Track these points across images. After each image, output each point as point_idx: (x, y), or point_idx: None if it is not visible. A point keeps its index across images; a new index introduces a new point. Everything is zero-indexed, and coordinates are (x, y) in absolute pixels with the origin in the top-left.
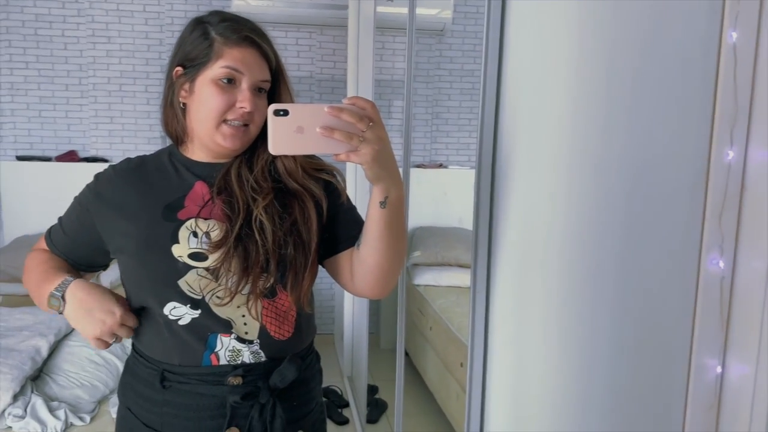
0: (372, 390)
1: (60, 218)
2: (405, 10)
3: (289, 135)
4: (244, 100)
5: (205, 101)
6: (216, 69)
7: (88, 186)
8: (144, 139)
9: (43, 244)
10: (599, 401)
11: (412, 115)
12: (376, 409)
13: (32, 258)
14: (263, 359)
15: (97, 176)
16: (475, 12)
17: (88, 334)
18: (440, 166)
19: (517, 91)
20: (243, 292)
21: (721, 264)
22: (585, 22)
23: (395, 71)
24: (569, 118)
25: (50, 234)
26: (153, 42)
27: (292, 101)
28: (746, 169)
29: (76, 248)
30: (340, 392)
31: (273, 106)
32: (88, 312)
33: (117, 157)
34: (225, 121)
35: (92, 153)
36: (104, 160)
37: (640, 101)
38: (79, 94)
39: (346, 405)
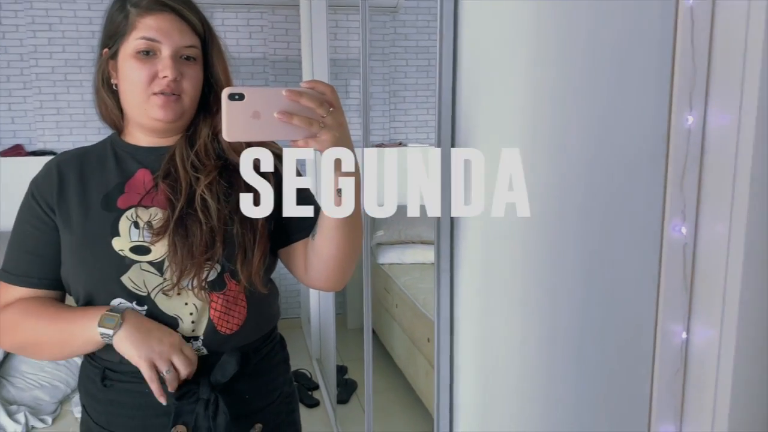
0: (341, 370)
1: (6, 254)
2: None
3: (245, 120)
4: (165, 69)
5: (127, 77)
6: (133, 41)
7: (26, 196)
8: (94, 129)
9: (6, 293)
10: (566, 370)
11: (369, 94)
12: (346, 389)
13: (13, 316)
14: (204, 353)
15: (33, 181)
16: None
17: (143, 354)
18: (400, 144)
19: (474, 64)
20: (190, 285)
21: (684, 230)
22: None
23: (350, 50)
24: (526, 88)
25: (6, 271)
26: (97, 28)
27: (227, 69)
28: (706, 133)
29: (48, 263)
30: (309, 375)
31: (227, 90)
32: (147, 332)
33: (66, 149)
34: (153, 93)
35: (39, 146)
36: (52, 153)
37: (598, 68)
38: (22, 85)
39: (316, 387)
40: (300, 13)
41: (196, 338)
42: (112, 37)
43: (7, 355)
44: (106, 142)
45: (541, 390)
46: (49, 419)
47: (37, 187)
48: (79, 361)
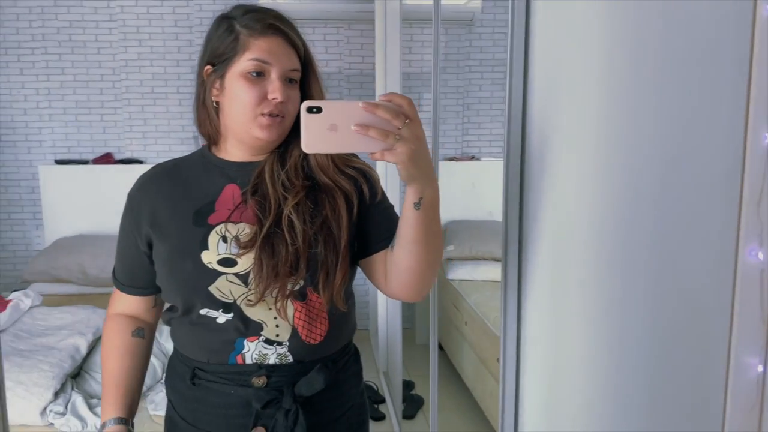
0: (408, 385)
1: (116, 260)
2: (431, 1)
3: (323, 133)
4: (275, 91)
5: (236, 96)
6: (243, 62)
7: (125, 207)
8: (177, 139)
9: (115, 296)
10: (635, 399)
11: (440, 107)
12: (412, 404)
13: (107, 334)
14: (290, 361)
15: (129, 194)
16: (504, 0)
17: None
18: (472, 158)
19: (545, 78)
20: (273, 294)
21: (761, 255)
22: (612, 3)
23: (424, 63)
24: (598, 105)
25: (114, 274)
26: (183, 43)
27: (322, 92)
28: None
29: (137, 272)
30: (375, 388)
31: (306, 104)
32: None
33: (151, 158)
34: (260, 114)
35: (127, 155)
36: (139, 162)
37: (671, 82)
38: (113, 98)
39: (383, 401)
40: (375, 28)
41: (280, 343)
42: (220, 56)
43: (91, 351)
44: (196, 155)
45: (607, 417)
46: None
47: (131, 201)
48: (155, 361)
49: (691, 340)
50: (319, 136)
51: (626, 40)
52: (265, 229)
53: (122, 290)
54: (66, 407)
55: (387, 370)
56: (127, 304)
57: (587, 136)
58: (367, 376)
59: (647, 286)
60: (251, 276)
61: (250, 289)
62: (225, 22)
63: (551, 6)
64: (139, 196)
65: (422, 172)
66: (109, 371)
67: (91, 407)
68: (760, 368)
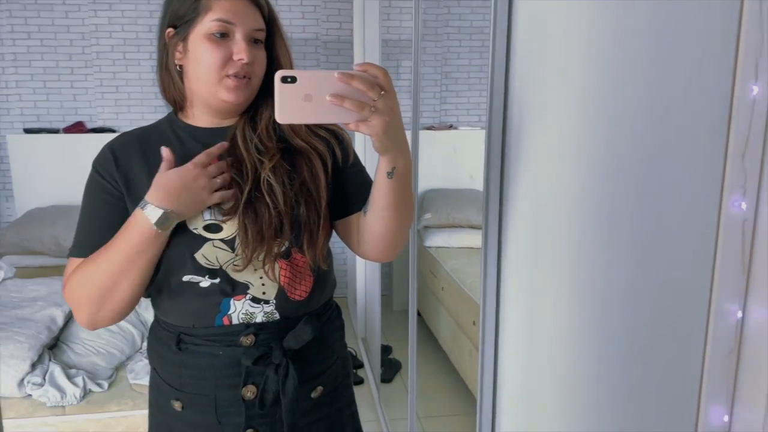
0: (386, 350)
1: (76, 232)
2: None
3: (297, 103)
4: (240, 52)
5: (200, 58)
6: (207, 23)
7: (91, 177)
8: (150, 107)
9: (73, 265)
10: (615, 349)
11: (420, 76)
12: (390, 368)
13: (75, 275)
14: (277, 318)
15: (95, 163)
16: None
17: (205, 200)
18: (450, 127)
19: (528, 45)
20: (259, 258)
21: (744, 206)
22: None
23: (402, 30)
24: (581, 68)
25: (75, 246)
26: (155, 7)
27: (288, 52)
28: None
29: (107, 237)
30: (354, 353)
31: (280, 73)
32: (185, 190)
33: (124, 127)
34: (226, 75)
35: (99, 123)
36: (112, 130)
37: (658, 36)
38: (83, 64)
39: (361, 366)
40: None
41: (266, 301)
42: (181, 18)
43: (68, 322)
44: (163, 122)
45: (588, 370)
46: (105, 384)
47: (100, 166)
48: (134, 330)
49: (674, 289)
50: (293, 106)
51: (611, 5)
52: (245, 194)
53: (86, 254)
54: (44, 378)
55: (365, 335)
56: None
57: (570, 101)
58: (347, 341)
59: (630, 239)
60: (237, 241)
61: (236, 255)
62: None
63: None
64: (108, 165)
65: (396, 143)
66: (102, 250)
67: (69, 377)
68: (740, 314)
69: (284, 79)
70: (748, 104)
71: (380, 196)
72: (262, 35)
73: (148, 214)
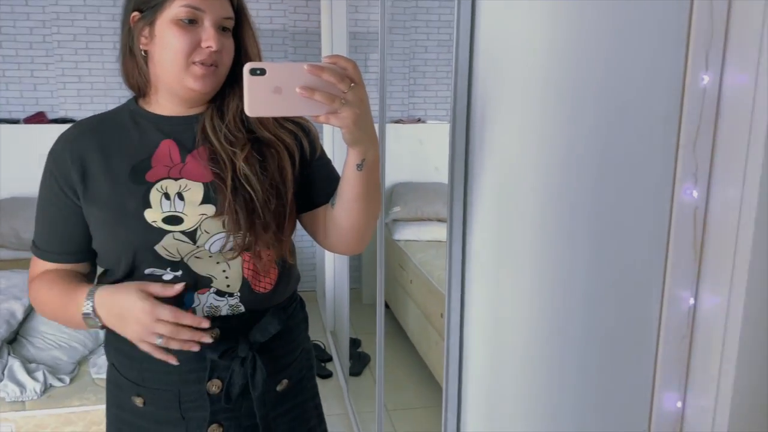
0: (354, 343)
1: (35, 226)
2: None
3: (267, 95)
4: (209, 39)
5: (168, 44)
6: (175, 8)
7: (46, 168)
8: (114, 98)
9: (37, 266)
10: (573, 337)
11: (387, 69)
12: (358, 362)
13: (38, 289)
14: (242, 311)
15: (51, 152)
16: None
17: (132, 339)
18: (418, 121)
19: (491, 39)
20: (227, 249)
21: (695, 193)
22: None
23: (370, 23)
24: (541, 63)
25: (35, 246)
26: None
27: (256, 42)
28: (722, 93)
29: (70, 239)
30: (323, 347)
31: (249, 65)
32: (120, 319)
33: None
34: (193, 62)
35: (61, 114)
36: (74, 121)
37: (613, 30)
38: (44, 53)
39: (330, 359)
40: None
41: (231, 294)
42: (148, 2)
43: (28, 316)
44: (123, 109)
45: (547, 358)
46: (67, 378)
47: (55, 163)
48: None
49: (629, 276)
50: (262, 99)
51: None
52: (229, 182)
53: (50, 260)
54: (3, 372)
55: (334, 329)
56: (46, 269)
57: (531, 94)
58: (315, 335)
59: (587, 228)
60: (199, 233)
61: (198, 246)
62: None
63: None
64: (64, 155)
65: (366, 135)
66: (55, 294)
67: (29, 372)
68: (692, 301)
69: (253, 72)
70: (698, 93)
71: (349, 188)
72: (230, 23)
73: (85, 306)
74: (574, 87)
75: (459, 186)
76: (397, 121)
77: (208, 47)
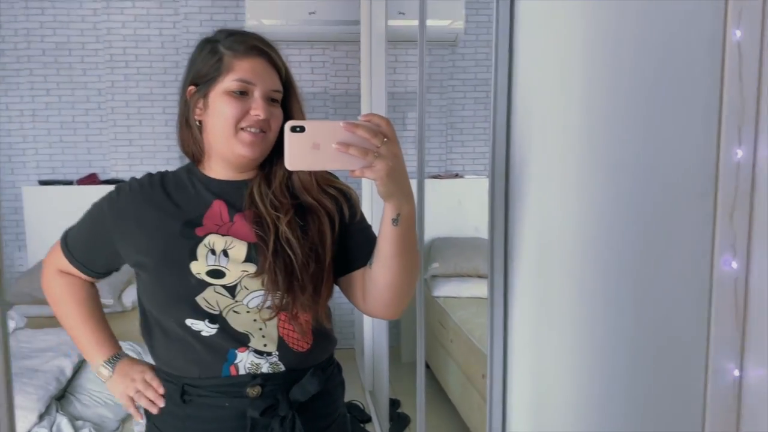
0: (394, 404)
1: (73, 227)
2: (416, 23)
3: (306, 151)
4: (257, 108)
5: (220, 113)
6: (227, 82)
7: (109, 198)
8: (163, 159)
9: (58, 259)
10: (619, 406)
11: (425, 126)
12: (398, 423)
13: (55, 285)
14: (282, 370)
15: (118, 189)
16: (487, 21)
17: (119, 393)
18: (456, 176)
19: (528, 97)
20: (265, 307)
21: (735, 264)
22: (591, 25)
23: (408, 83)
24: (579, 122)
25: (66, 244)
26: (169, 65)
27: (302, 112)
28: (756, 167)
29: (94, 257)
30: (362, 407)
31: (289, 123)
32: (124, 375)
33: None
34: (242, 129)
35: (112, 175)
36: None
37: (648, 102)
38: (99, 118)
39: (369, 420)
40: (360, 48)
41: (269, 354)
42: (203, 77)
43: (76, 373)
44: (183, 170)
45: (593, 425)
46: None
47: (117, 200)
48: None
49: (672, 348)
50: (302, 154)
51: (604, 62)
52: (271, 245)
53: (71, 262)
54: (51, 430)
55: (373, 388)
56: (71, 270)
57: (569, 153)
58: (353, 395)
59: (629, 299)
60: (239, 288)
61: (236, 301)
62: (209, 45)
63: (534, 27)
64: (128, 199)
65: (400, 188)
66: (75, 315)
67: (76, 429)
68: (737, 372)
69: (294, 129)
70: (733, 167)
71: (386, 244)
72: (278, 96)
73: (106, 369)
74: (611, 153)
75: (499, 244)
76: (435, 177)
77: (256, 115)
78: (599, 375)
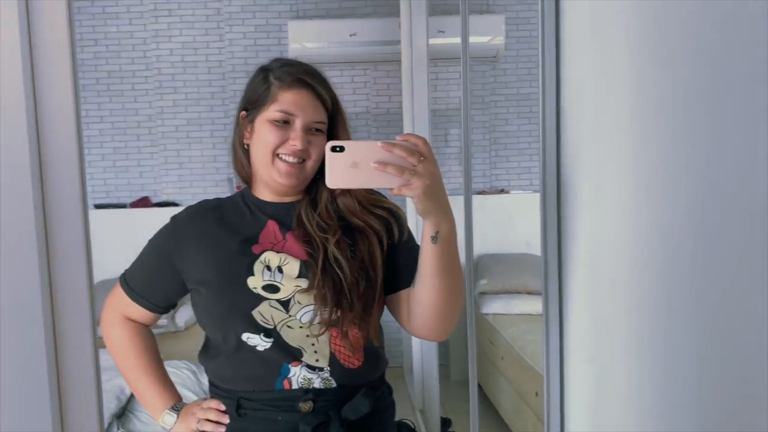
0: (445, 423)
1: (131, 266)
2: (457, 40)
3: (345, 170)
4: (295, 138)
5: (261, 139)
6: (271, 111)
7: (165, 227)
8: (212, 182)
9: (119, 300)
10: (687, 423)
11: (470, 143)
12: None
13: (115, 335)
14: (334, 386)
15: (174, 218)
16: (527, 36)
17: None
18: (501, 191)
19: (578, 110)
20: (315, 322)
21: None
22: (641, 33)
23: (450, 100)
24: (632, 133)
25: (126, 281)
26: (216, 89)
27: (348, 137)
28: None
29: (155, 289)
30: (412, 425)
31: (330, 143)
32: (185, 415)
33: (187, 200)
34: (279, 156)
35: (163, 198)
36: (175, 204)
37: (705, 107)
38: (150, 143)
39: None
40: (402, 67)
41: (321, 369)
42: (253, 103)
43: None
44: (238, 195)
45: None
46: None
47: (175, 228)
48: (195, 399)
49: (738, 357)
50: (342, 173)
51: (659, 67)
52: (320, 263)
53: (133, 298)
54: None
55: (423, 407)
56: (132, 310)
57: (622, 163)
58: (403, 414)
59: (690, 314)
60: (292, 302)
61: (290, 315)
62: (262, 73)
63: (581, 39)
64: (186, 223)
65: (437, 206)
66: (137, 367)
67: None
68: None
69: (334, 149)
70: None
71: (426, 261)
72: (322, 126)
73: (169, 416)
74: (666, 165)
75: (553, 260)
76: (479, 192)
77: (293, 145)
78: (663, 390)
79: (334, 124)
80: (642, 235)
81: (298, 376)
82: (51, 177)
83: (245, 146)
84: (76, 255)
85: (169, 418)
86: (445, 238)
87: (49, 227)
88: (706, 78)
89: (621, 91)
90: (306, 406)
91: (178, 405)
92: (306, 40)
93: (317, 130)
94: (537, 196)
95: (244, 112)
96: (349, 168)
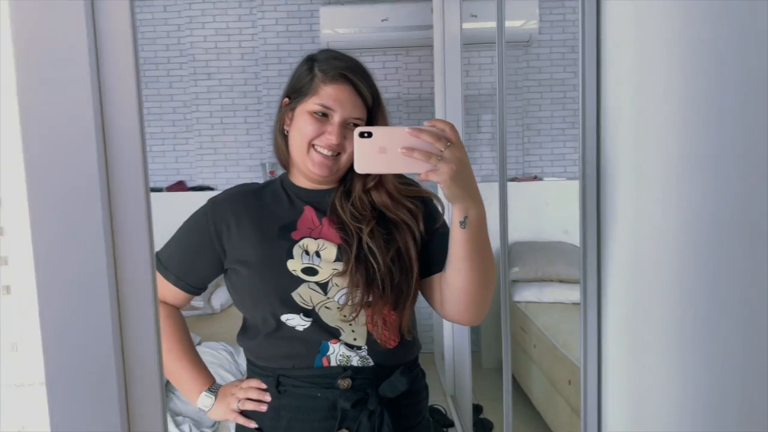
0: (476, 410)
1: (165, 246)
2: (490, 25)
3: (373, 155)
4: (332, 133)
5: (299, 128)
6: (311, 103)
7: (203, 209)
8: (245, 167)
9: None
10: (729, 416)
11: (505, 129)
12: (482, 429)
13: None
14: (371, 364)
15: (213, 200)
16: (561, 20)
17: (223, 413)
18: (535, 178)
19: (619, 96)
20: (348, 304)
21: None
22: (690, 19)
23: (482, 86)
24: (677, 120)
25: (161, 263)
26: (249, 76)
27: None
28: None
29: (191, 268)
30: (444, 411)
31: (358, 129)
32: (224, 396)
33: (221, 185)
34: (314, 147)
35: (198, 182)
36: (210, 188)
37: (751, 96)
38: (185, 129)
39: (451, 425)
40: (434, 53)
41: (359, 347)
42: (296, 92)
43: None
44: (277, 181)
45: None
46: (209, 431)
47: (213, 209)
48: (233, 379)
49: None
50: (369, 158)
51: (705, 53)
52: (354, 250)
53: (169, 279)
54: None
55: (454, 393)
56: (165, 292)
57: (665, 150)
58: (434, 399)
59: (735, 300)
60: (330, 285)
61: (328, 297)
62: (308, 62)
63: (622, 21)
64: (226, 205)
65: (465, 191)
66: (172, 351)
67: (177, 424)
68: None
69: (362, 135)
70: None
71: (456, 246)
72: (360, 122)
73: (208, 397)
74: (712, 154)
75: (592, 248)
76: (512, 179)
77: (329, 139)
78: (707, 381)
79: (373, 120)
80: (687, 225)
81: (336, 353)
82: (115, 164)
83: (285, 133)
84: (139, 236)
85: (207, 399)
86: (473, 223)
87: (113, 209)
88: (757, 60)
89: (667, 74)
90: (345, 383)
91: (213, 387)
92: (338, 26)
93: (355, 125)
94: (571, 183)
95: (287, 99)
96: (377, 154)
